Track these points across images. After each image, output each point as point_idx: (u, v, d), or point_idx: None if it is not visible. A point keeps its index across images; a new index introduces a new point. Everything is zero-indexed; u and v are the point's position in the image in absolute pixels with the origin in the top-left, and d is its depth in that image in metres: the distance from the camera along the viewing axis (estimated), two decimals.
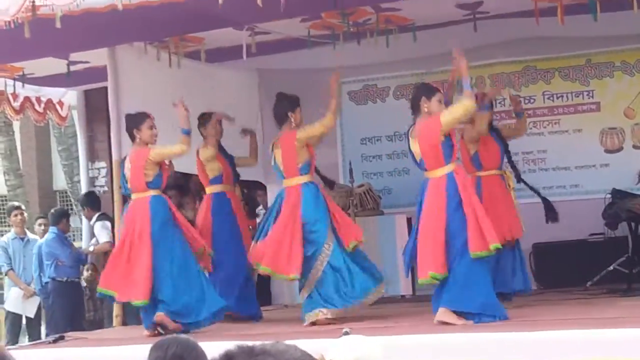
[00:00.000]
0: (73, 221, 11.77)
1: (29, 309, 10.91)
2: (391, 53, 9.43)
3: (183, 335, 3.46)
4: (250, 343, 2.71)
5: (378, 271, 7.84)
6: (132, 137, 7.88)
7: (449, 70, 10.34)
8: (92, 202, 10.60)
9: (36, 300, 10.88)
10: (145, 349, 3.37)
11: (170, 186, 10.43)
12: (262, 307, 9.14)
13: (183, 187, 11.07)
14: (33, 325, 10.97)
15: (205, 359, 3.21)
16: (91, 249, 10.34)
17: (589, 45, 10.05)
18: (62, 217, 10.75)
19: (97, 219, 10.32)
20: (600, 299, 8.30)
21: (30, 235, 11.31)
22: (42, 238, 10.89)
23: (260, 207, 10.51)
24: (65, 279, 10.41)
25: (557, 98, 10.23)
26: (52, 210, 11.16)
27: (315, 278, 7.53)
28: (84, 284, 10.52)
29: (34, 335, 10.67)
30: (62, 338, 8.04)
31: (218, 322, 8.03)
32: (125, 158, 8.03)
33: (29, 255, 10.89)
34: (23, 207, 11.87)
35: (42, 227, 11.12)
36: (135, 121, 7.87)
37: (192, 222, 10.80)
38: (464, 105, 7.02)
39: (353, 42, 9.15)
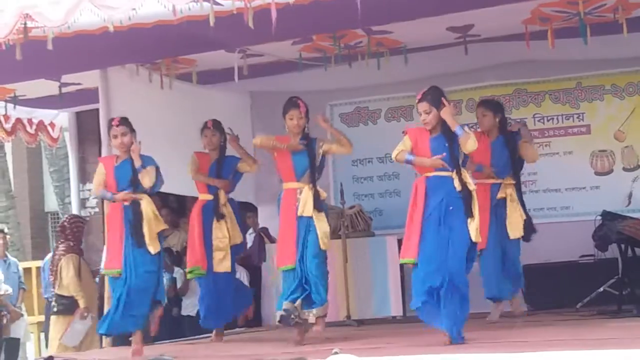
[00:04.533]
0: None
1: (17, 331, 10.91)
2: (382, 75, 9.47)
3: (166, 357, 3.47)
4: None
5: None
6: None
7: None
8: None
9: (22, 322, 10.88)
10: None
11: (163, 206, 10.49)
12: (252, 327, 9.16)
13: (178, 209, 11.10)
14: (13, 346, 10.96)
15: None
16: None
17: (579, 69, 10.11)
18: None
19: None
20: (590, 321, 8.30)
21: (10, 258, 11.35)
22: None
23: (251, 230, 10.49)
24: None
25: (548, 121, 10.27)
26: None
27: None
28: None
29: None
30: (50, 358, 8.01)
31: (207, 343, 8.10)
32: None
33: (12, 278, 10.91)
34: (6, 230, 11.91)
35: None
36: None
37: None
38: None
39: (344, 65, 9.19)
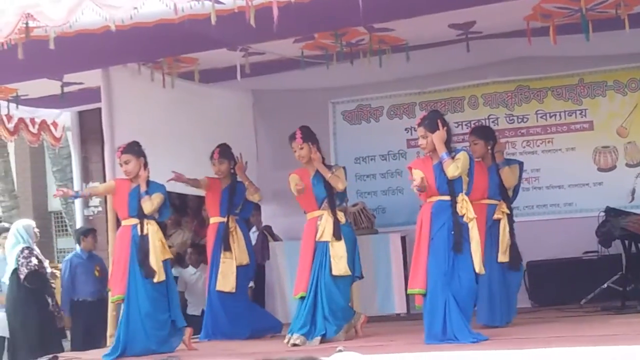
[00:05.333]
0: (67, 242, 11.79)
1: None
2: (384, 73, 9.45)
3: (173, 357, 3.48)
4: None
5: None
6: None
7: (442, 90, 10.51)
8: None
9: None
10: None
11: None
12: None
13: (180, 207, 11.10)
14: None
15: None
16: None
17: (581, 65, 10.09)
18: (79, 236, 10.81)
19: None
20: (594, 317, 8.31)
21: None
22: None
23: (254, 228, 10.50)
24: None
25: (550, 117, 10.25)
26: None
27: None
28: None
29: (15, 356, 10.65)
30: (55, 358, 8.03)
31: (213, 341, 8.16)
32: None
33: None
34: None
35: None
36: None
37: (191, 241, 10.86)
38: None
39: (346, 62, 9.17)
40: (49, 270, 10.09)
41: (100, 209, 11.10)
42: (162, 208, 7.95)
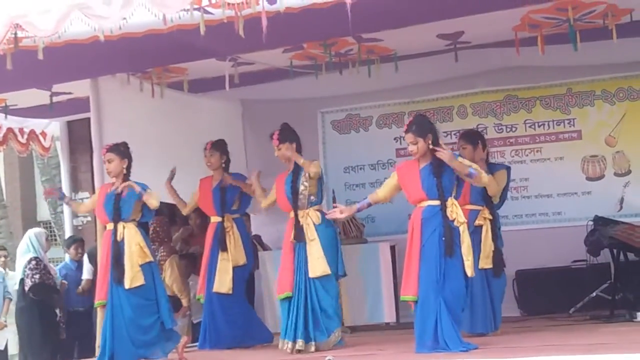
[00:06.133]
0: (56, 252, 11.79)
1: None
2: (373, 83, 9.48)
3: None
4: None
5: None
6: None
7: (430, 100, 10.53)
8: None
9: (5, 333, 10.86)
10: None
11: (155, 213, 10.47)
12: None
13: (169, 216, 11.06)
14: (1, 358, 10.93)
15: None
16: None
17: (569, 75, 10.13)
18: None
19: None
20: (583, 326, 8.32)
21: None
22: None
23: None
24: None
25: (539, 126, 10.28)
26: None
27: None
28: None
29: None
30: None
31: (206, 351, 8.15)
32: None
33: None
34: None
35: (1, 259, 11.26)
36: None
37: (178, 250, 10.81)
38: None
39: (335, 72, 9.19)
40: (59, 279, 10.14)
41: (89, 218, 11.08)
42: (145, 210, 7.90)
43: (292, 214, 7.93)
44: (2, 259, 11.34)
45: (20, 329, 10.14)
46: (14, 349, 11.05)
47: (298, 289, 7.73)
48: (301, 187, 7.91)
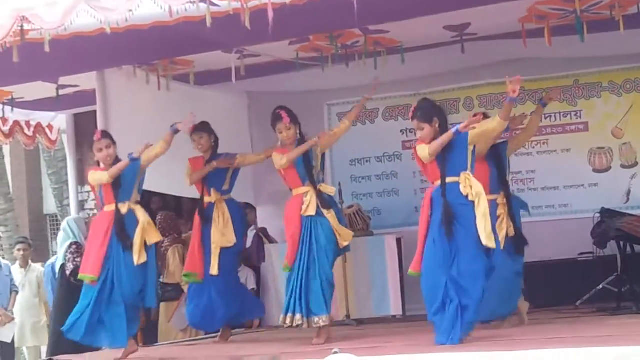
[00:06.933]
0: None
1: (6, 335, 10.91)
2: (380, 75, 9.44)
3: None
4: None
5: None
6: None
7: (437, 92, 10.51)
8: None
9: (13, 326, 10.89)
10: None
11: (162, 208, 10.48)
12: (253, 328, 9.15)
13: (176, 209, 11.07)
14: (8, 351, 10.95)
15: None
16: None
17: (576, 66, 10.12)
18: None
19: None
20: (590, 318, 8.32)
21: (2, 261, 11.39)
22: (25, 265, 11.06)
23: (252, 227, 10.47)
24: None
25: (546, 118, 10.25)
26: None
27: None
28: None
29: None
30: None
31: (208, 344, 8.13)
32: None
33: (3, 281, 10.93)
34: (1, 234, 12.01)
35: (22, 253, 11.27)
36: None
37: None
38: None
39: (342, 65, 9.19)
40: None
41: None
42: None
43: (300, 190, 7.84)
44: (22, 252, 11.37)
45: (59, 314, 10.07)
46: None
47: (301, 262, 7.66)
48: (313, 163, 7.88)
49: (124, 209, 7.64)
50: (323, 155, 8.02)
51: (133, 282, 7.57)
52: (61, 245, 9.70)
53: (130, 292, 7.56)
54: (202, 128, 8.63)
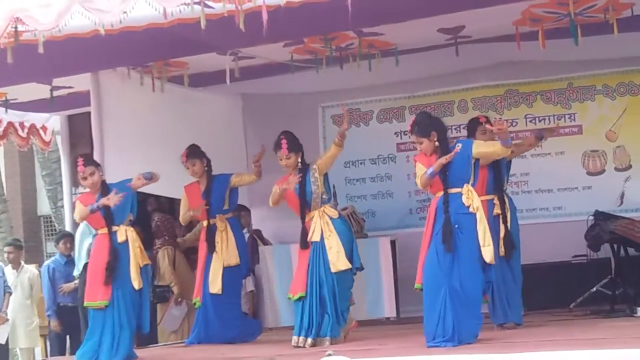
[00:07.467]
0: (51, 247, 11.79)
1: (1, 336, 10.91)
2: (374, 77, 9.48)
3: None
4: None
5: None
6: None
7: (431, 94, 10.53)
8: None
9: (6, 327, 10.88)
10: None
11: (157, 209, 10.47)
12: None
13: (169, 210, 11.05)
14: (1, 352, 10.94)
15: None
16: None
17: (570, 69, 10.13)
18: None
19: None
20: (583, 320, 8.33)
21: None
22: (17, 266, 11.06)
23: (246, 229, 10.46)
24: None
25: (540, 121, 10.28)
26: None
27: None
28: None
29: None
30: None
31: (204, 345, 8.14)
32: None
33: None
34: None
35: (7, 256, 11.27)
36: None
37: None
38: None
39: (336, 67, 9.19)
40: None
41: None
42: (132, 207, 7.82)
43: (309, 216, 7.86)
44: (7, 255, 11.36)
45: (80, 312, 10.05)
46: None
47: (313, 288, 7.69)
48: (313, 187, 7.86)
49: (117, 233, 7.64)
50: (326, 176, 7.99)
51: (134, 306, 7.63)
52: (80, 243, 9.64)
53: (132, 316, 7.61)
54: (193, 154, 8.63)
